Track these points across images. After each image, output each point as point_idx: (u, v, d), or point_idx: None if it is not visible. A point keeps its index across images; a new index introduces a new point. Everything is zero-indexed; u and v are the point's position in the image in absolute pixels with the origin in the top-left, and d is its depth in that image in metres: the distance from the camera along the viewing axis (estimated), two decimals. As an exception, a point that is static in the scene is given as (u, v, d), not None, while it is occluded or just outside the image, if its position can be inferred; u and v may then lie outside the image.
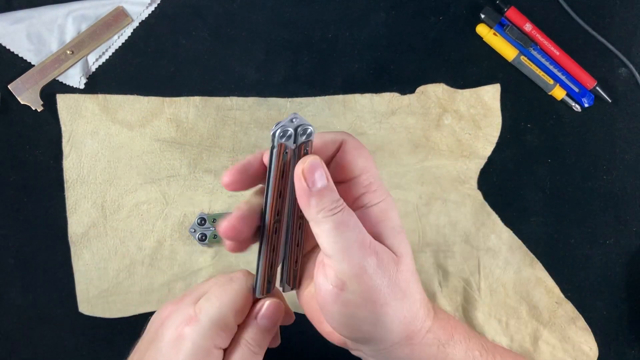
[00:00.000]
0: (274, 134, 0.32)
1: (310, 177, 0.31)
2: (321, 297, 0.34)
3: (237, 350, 0.35)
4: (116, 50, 0.51)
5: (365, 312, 0.33)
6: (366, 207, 0.34)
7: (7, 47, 0.50)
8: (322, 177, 0.32)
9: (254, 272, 0.35)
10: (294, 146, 0.33)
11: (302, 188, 0.32)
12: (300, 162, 0.32)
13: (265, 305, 0.35)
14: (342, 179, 0.34)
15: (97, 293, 0.49)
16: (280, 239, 0.35)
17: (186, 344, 0.33)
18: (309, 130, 0.32)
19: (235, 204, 0.49)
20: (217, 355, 0.34)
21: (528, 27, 0.51)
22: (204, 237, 0.48)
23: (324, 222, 0.32)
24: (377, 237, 0.34)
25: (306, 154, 0.33)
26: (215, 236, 0.48)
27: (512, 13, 0.51)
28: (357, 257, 0.32)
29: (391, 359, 0.35)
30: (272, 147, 0.32)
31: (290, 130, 0.32)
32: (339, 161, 0.35)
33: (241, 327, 0.35)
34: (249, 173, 0.34)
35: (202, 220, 0.49)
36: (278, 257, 0.35)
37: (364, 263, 0.32)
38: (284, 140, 0.32)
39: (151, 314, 0.49)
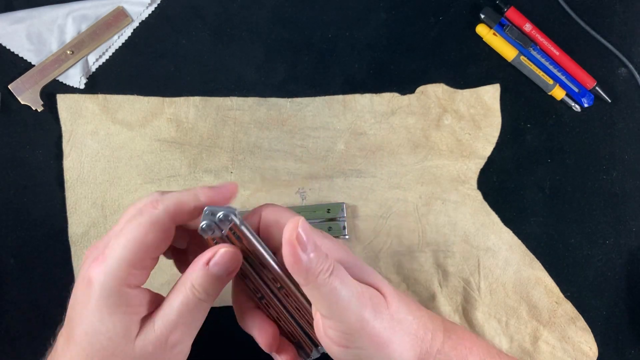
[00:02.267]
0: (203, 232, 0.33)
1: (303, 243, 0.30)
2: (332, 354, 0.34)
3: (180, 292, 0.32)
4: (116, 50, 0.51)
5: (375, 356, 0.33)
6: None
7: (7, 47, 0.50)
8: (310, 241, 0.31)
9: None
10: (225, 232, 0.33)
11: (296, 256, 0.30)
12: (289, 225, 0.31)
13: (220, 253, 0.32)
14: (278, 245, 0.33)
15: (97, 293, 0.49)
16: (278, 308, 0.35)
17: (94, 287, 0.31)
18: (225, 216, 0.32)
19: (234, 205, 0.49)
20: (134, 295, 0.32)
21: (528, 27, 0.51)
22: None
23: (322, 286, 0.31)
24: (358, 279, 0.33)
25: (237, 234, 0.33)
26: (215, 236, 0.48)
27: (511, 13, 0.51)
28: (356, 311, 0.32)
29: None
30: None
31: (213, 224, 0.32)
32: (265, 232, 0.35)
33: (190, 269, 0.33)
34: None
35: None
36: (291, 324, 0.35)
37: (364, 315, 0.32)
38: (210, 234, 0.33)
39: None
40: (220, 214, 0.32)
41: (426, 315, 0.35)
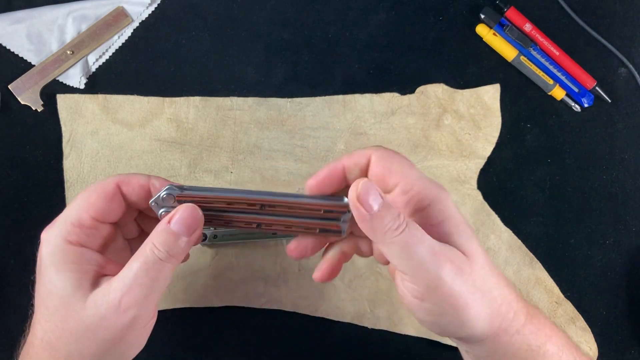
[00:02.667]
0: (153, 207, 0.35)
1: (365, 202, 0.31)
2: (406, 303, 0.34)
3: (140, 253, 0.32)
4: (116, 50, 0.51)
5: (448, 317, 0.33)
6: (420, 211, 0.33)
7: (7, 47, 0.50)
8: (376, 198, 0.31)
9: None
10: (174, 204, 0.35)
11: (362, 215, 0.31)
12: (352, 188, 0.32)
13: (181, 209, 0.33)
14: (383, 192, 0.33)
15: (97, 293, 0.49)
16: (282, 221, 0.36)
17: (42, 249, 0.33)
18: (168, 190, 0.34)
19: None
20: (79, 252, 0.33)
21: (528, 27, 0.51)
22: (204, 237, 0.48)
23: (391, 244, 0.31)
24: (443, 238, 0.33)
25: (189, 199, 0.34)
26: (215, 236, 0.48)
27: (511, 13, 0.51)
28: (432, 269, 0.31)
29: (480, 352, 0.35)
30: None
31: (159, 199, 0.35)
32: (372, 177, 0.34)
33: (152, 232, 0.33)
34: (332, 181, 0.35)
35: None
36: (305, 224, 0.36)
37: (440, 273, 0.31)
38: (161, 210, 0.35)
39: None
40: (162, 192, 0.34)
41: (514, 294, 0.35)
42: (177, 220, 0.33)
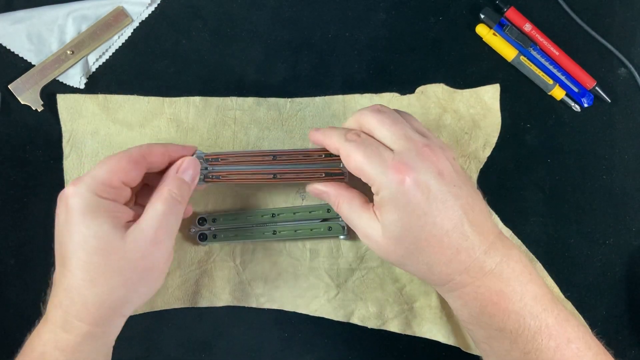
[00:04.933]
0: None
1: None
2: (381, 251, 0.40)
3: (160, 197, 0.40)
4: (116, 50, 0.51)
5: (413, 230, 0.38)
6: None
7: (8, 47, 0.50)
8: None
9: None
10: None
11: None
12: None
13: (186, 161, 0.43)
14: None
15: (97, 293, 0.49)
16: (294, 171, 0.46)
17: (74, 199, 0.38)
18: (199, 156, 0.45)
19: (235, 204, 0.50)
20: (111, 204, 0.39)
21: (528, 27, 0.51)
22: (204, 237, 0.48)
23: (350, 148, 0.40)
24: None
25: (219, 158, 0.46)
26: (215, 236, 0.48)
27: (511, 13, 0.51)
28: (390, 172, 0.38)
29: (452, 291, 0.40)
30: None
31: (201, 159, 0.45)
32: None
33: (163, 181, 0.41)
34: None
35: (202, 220, 0.49)
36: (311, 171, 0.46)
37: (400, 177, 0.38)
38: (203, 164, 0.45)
39: (149, 314, 0.49)
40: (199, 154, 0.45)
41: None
42: (184, 170, 0.42)
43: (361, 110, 0.42)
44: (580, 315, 0.49)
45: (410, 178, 0.37)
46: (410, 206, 0.37)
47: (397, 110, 0.42)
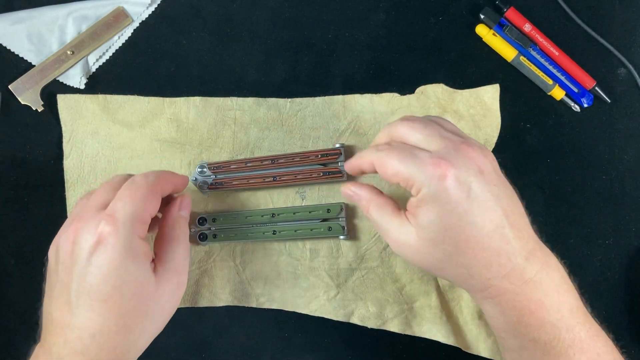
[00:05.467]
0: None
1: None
2: (412, 250, 0.39)
3: (179, 239, 0.41)
4: (116, 50, 0.51)
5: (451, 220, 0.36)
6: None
7: (8, 47, 0.51)
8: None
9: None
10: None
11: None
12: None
13: (185, 200, 0.43)
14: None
15: (97, 293, 0.49)
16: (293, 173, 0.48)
17: (110, 240, 0.36)
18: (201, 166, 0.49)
19: (234, 204, 0.50)
20: (143, 244, 0.38)
21: (527, 27, 0.51)
22: (204, 237, 0.48)
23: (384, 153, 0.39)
24: None
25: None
26: (215, 235, 0.49)
27: (511, 13, 0.51)
28: (430, 170, 0.36)
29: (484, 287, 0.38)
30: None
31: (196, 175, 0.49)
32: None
33: (171, 223, 0.42)
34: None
35: (202, 220, 0.49)
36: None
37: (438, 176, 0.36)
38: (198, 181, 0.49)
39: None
40: (198, 169, 0.49)
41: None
42: (184, 208, 0.43)
43: (389, 123, 0.40)
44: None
45: (451, 174, 0.35)
46: (451, 204, 0.36)
47: (428, 116, 0.41)
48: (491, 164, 0.38)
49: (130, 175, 0.41)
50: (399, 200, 0.41)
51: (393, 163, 0.37)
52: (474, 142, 0.38)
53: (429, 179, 0.36)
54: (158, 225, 0.43)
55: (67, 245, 0.37)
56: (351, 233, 0.49)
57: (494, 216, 0.36)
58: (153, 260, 0.39)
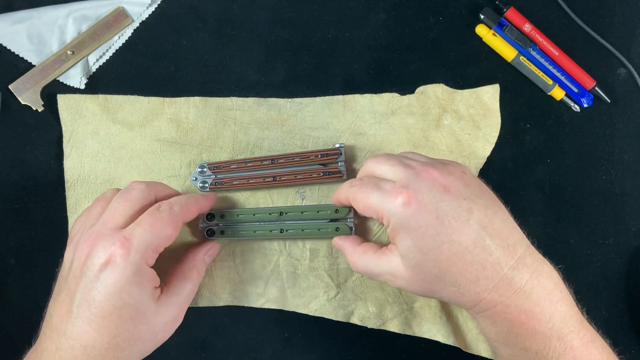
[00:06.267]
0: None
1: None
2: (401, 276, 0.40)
3: (192, 279, 0.43)
4: (116, 50, 0.51)
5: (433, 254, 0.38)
6: None
7: (8, 47, 0.51)
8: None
9: None
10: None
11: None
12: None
13: (214, 248, 0.46)
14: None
15: (97, 293, 0.49)
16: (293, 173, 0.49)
17: (120, 263, 0.37)
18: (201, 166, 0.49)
19: (234, 204, 0.50)
20: (150, 271, 0.39)
21: (527, 27, 0.51)
22: (211, 232, 0.48)
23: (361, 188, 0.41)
24: None
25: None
26: (222, 232, 0.48)
27: (511, 13, 0.51)
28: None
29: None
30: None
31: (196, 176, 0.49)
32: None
33: (192, 264, 0.44)
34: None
35: (210, 216, 0.48)
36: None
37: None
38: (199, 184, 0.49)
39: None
40: (198, 169, 0.49)
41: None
42: (211, 255, 0.46)
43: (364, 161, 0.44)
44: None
45: (414, 199, 0.37)
46: (422, 228, 0.37)
47: (403, 152, 0.44)
48: (459, 180, 0.39)
49: (159, 185, 0.44)
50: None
51: (361, 197, 0.40)
52: (436, 163, 0.40)
53: (395, 208, 0.37)
54: (182, 257, 0.45)
55: (81, 257, 0.38)
56: (356, 233, 0.49)
57: (469, 230, 0.37)
58: (160, 286, 0.41)
